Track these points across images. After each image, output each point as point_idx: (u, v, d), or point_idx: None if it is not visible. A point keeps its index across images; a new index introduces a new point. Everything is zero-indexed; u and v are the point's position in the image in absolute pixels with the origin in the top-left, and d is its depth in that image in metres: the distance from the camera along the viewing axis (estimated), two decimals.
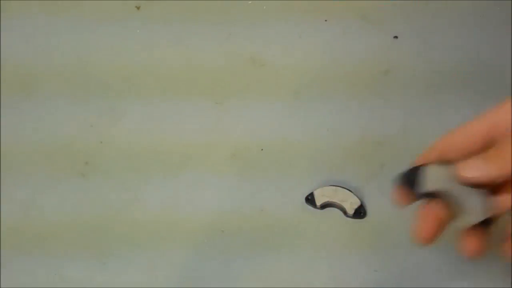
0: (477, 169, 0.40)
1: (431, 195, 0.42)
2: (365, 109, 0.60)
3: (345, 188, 0.57)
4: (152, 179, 0.58)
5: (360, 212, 0.57)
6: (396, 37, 0.63)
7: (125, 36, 0.63)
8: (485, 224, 0.42)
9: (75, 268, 0.56)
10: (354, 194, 0.57)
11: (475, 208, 0.41)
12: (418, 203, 0.43)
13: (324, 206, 0.57)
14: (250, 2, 0.64)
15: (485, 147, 0.41)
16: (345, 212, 0.57)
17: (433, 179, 0.42)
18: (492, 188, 0.41)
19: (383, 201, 0.58)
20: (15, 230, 0.57)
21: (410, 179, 0.42)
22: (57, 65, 0.62)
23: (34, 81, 0.61)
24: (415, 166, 0.43)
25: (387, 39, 0.63)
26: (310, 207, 0.57)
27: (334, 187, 0.57)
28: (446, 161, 0.42)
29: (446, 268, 0.56)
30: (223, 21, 0.63)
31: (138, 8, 0.64)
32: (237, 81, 0.62)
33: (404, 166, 0.59)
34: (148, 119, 0.60)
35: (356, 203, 0.56)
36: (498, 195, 0.42)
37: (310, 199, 0.57)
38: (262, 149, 0.59)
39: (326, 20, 0.64)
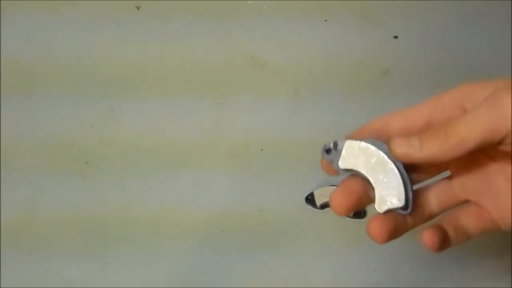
0: (410, 146, 0.38)
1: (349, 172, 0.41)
2: (365, 108, 0.60)
3: None
4: (152, 179, 0.59)
5: (360, 212, 0.56)
6: (396, 37, 0.63)
7: (125, 36, 0.63)
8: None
9: (75, 268, 0.56)
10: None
11: (388, 197, 0.40)
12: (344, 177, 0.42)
13: (324, 206, 0.57)
14: (250, 2, 0.64)
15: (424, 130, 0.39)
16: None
17: (348, 156, 0.41)
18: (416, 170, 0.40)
19: None
20: (15, 230, 0.57)
21: (327, 152, 0.41)
22: (57, 65, 0.62)
23: (35, 82, 0.61)
24: (336, 140, 0.41)
25: (387, 39, 0.63)
26: (310, 207, 0.57)
27: (334, 187, 0.57)
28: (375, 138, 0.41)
29: (445, 268, 0.56)
30: (223, 21, 0.63)
31: (138, 8, 0.64)
32: (237, 81, 0.62)
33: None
34: (148, 119, 0.60)
35: (399, 201, 0.56)
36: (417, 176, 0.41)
37: (310, 199, 0.57)
38: (262, 149, 0.59)
39: (326, 20, 0.64)
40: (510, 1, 0.63)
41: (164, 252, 0.56)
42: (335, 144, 0.41)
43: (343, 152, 0.41)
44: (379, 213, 0.39)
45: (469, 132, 0.36)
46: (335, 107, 0.60)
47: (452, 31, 0.63)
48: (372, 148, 0.40)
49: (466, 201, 0.41)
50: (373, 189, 0.40)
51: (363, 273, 0.56)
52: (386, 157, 0.40)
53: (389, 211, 0.40)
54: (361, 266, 0.56)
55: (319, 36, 0.63)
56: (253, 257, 0.56)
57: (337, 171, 0.41)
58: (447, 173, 0.42)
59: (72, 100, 0.61)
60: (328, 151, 0.41)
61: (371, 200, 0.40)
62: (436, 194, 0.41)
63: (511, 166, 0.39)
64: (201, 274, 0.56)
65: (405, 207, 0.40)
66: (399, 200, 0.39)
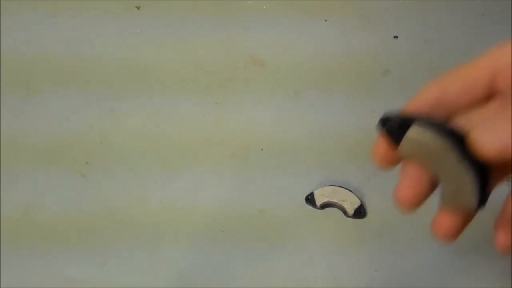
0: (502, 136, 0.28)
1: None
2: (365, 109, 0.60)
3: (345, 188, 0.57)
4: (152, 179, 0.58)
5: (360, 212, 0.57)
6: (396, 37, 0.63)
7: (125, 36, 0.63)
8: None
9: (75, 268, 0.56)
10: (354, 194, 0.57)
11: (457, 194, 0.34)
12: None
13: (324, 206, 0.57)
14: (250, 2, 0.64)
15: (488, 97, 0.32)
16: (345, 212, 0.57)
17: (412, 141, 0.33)
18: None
19: (383, 201, 0.58)
20: (15, 230, 0.57)
21: (393, 130, 0.34)
22: (57, 65, 0.62)
23: (34, 81, 0.61)
24: (403, 116, 0.34)
25: (387, 39, 0.63)
26: (310, 207, 0.57)
27: (334, 187, 0.57)
28: (440, 116, 0.34)
29: (446, 268, 0.56)
30: (223, 21, 0.63)
31: (138, 8, 0.64)
32: (237, 81, 0.62)
33: None
34: (148, 119, 0.60)
35: (356, 203, 0.56)
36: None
37: (310, 199, 0.57)
38: (262, 149, 0.59)
39: (326, 20, 0.64)
40: (510, 1, 0.63)
41: (164, 252, 0.56)
42: (396, 119, 0.34)
43: (408, 135, 0.33)
44: (442, 208, 0.34)
45: None
46: (335, 107, 0.60)
47: (452, 31, 0.63)
48: (441, 143, 0.32)
49: None
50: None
51: (363, 273, 0.56)
52: (458, 154, 0.32)
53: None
54: (361, 266, 0.56)
55: (319, 36, 0.63)
56: (253, 257, 0.56)
57: (394, 158, 0.34)
58: None
59: (72, 100, 0.61)
60: (384, 124, 0.34)
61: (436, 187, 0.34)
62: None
63: None
64: (201, 274, 0.56)
65: (476, 209, 0.34)
66: (470, 201, 0.33)
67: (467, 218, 0.34)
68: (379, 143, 0.35)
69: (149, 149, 0.59)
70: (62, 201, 0.58)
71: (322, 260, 0.56)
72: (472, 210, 0.33)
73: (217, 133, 0.60)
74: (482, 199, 0.33)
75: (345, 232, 0.57)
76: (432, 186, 0.34)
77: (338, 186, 0.57)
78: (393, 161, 0.35)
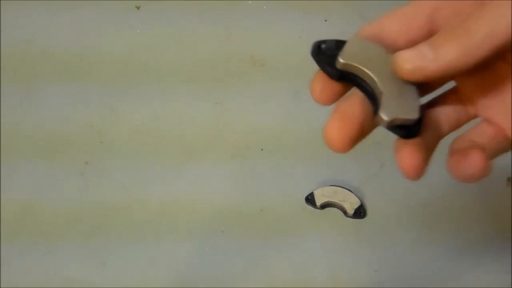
0: (421, 56, 0.29)
1: (347, 77, 0.33)
2: None
3: (345, 188, 0.57)
4: (152, 179, 0.58)
5: (360, 212, 0.56)
6: None
7: (125, 36, 0.63)
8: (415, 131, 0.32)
9: (75, 268, 0.56)
10: (354, 194, 0.57)
11: (397, 107, 0.31)
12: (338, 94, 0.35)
13: (324, 206, 0.57)
14: (250, 2, 0.64)
15: (429, 35, 0.31)
16: (345, 212, 0.57)
17: (353, 53, 0.32)
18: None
19: (383, 201, 0.58)
20: (14, 229, 0.57)
21: (318, 49, 0.34)
22: (57, 65, 0.62)
23: (35, 81, 0.61)
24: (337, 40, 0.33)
25: None
26: (310, 207, 0.57)
27: (334, 187, 0.57)
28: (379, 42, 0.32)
29: (446, 268, 0.56)
30: (223, 21, 0.63)
31: (138, 8, 0.64)
32: (237, 81, 0.62)
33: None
34: (148, 120, 0.60)
35: (356, 203, 0.56)
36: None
37: (310, 199, 0.57)
38: (262, 149, 0.59)
39: (326, 20, 0.64)
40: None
41: (164, 252, 0.56)
42: (333, 44, 0.33)
43: (346, 47, 0.33)
44: (404, 143, 0.32)
45: (498, 22, 0.27)
46: None
47: None
48: (382, 49, 0.32)
49: (475, 117, 0.33)
50: (374, 100, 0.32)
51: (363, 273, 0.56)
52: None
53: (395, 122, 0.31)
54: (361, 266, 0.56)
55: (319, 36, 0.63)
56: (253, 257, 0.56)
57: (334, 90, 0.33)
58: (451, 84, 0.34)
59: (72, 100, 0.61)
60: (320, 46, 0.33)
61: (376, 123, 0.32)
62: (443, 110, 0.33)
63: None
64: (201, 274, 0.56)
65: (417, 122, 0.31)
66: (412, 112, 0.31)
67: (427, 145, 0.32)
68: (316, 76, 0.34)
69: (149, 149, 0.59)
70: (62, 201, 0.58)
71: (322, 260, 0.56)
72: (414, 120, 0.31)
73: (217, 133, 0.60)
74: (421, 115, 0.31)
75: (345, 232, 0.57)
76: (367, 120, 0.32)
77: (338, 186, 0.57)
78: (332, 94, 0.34)
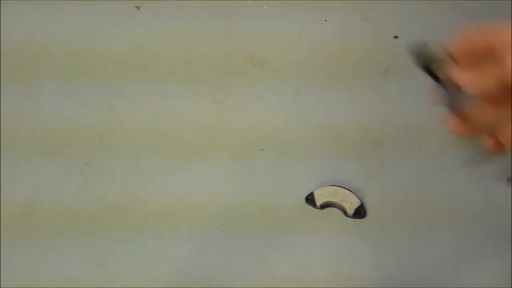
0: (467, 81, 0.46)
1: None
2: (365, 109, 0.60)
3: (345, 188, 0.57)
4: (152, 179, 0.58)
5: (360, 212, 0.56)
6: (396, 37, 0.63)
7: (125, 36, 0.63)
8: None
9: (75, 268, 0.56)
10: (354, 194, 0.57)
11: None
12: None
13: (324, 206, 0.57)
14: (250, 2, 0.64)
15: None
16: (345, 212, 0.57)
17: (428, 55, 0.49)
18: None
19: (383, 201, 0.58)
20: (14, 229, 0.57)
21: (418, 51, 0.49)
22: (57, 65, 0.62)
23: (35, 81, 0.61)
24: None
25: (387, 39, 0.63)
26: (310, 207, 0.57)
27: (334, 187, 0.57)
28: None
29: (446, 268, 0.56)
30: (223, 21, 0.63)
31: (138, 8, 0.64)
32: (237, 81, 0.62)
33: (404, 166, 0.59)
34: (148, 120, 0.60)
35: (356, 203, 0.56)
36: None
37: (310, 199, 0.57)
38: (262, 149, 0.59)
39: (326, 20, 0.63)
40: (510, 1, 0.63)
41: (165, 252, 0.56)
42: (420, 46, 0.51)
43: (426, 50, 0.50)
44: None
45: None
46: (335, 107, 0.60)
47: (452, 31, 0.63)
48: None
49: None
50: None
51: (363, 273, 0.56)
52: None
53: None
54: (361, 266, 0.56)
55: (319, 36, 0.63)
56: (253, 257, 0.56)
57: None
58: None
59: (72, 99, 0.61)
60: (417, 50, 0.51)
61: None
62: None
63: None
64: (201, 274, 0.56)
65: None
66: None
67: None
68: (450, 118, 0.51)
69: (149, 149, 0.59)
70: (62, 201, 0.58)
71: (322, 260, 0.56)
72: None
73: (217, 133, 0.60)
74: None
75: (345, 232, 0.57)
76: None
77: (338, 186, 0.57)
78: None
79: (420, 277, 0.56)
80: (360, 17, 0.63)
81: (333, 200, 0.57)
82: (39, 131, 0.60)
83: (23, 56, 0.62)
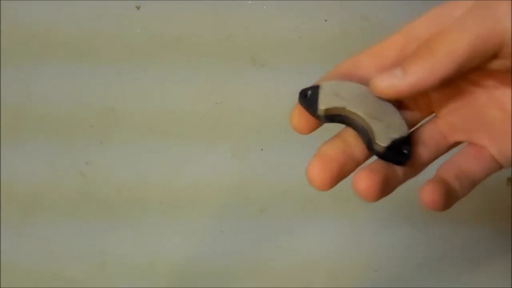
0: (393, 76, 0.32)
1: (333, 118, 0.35)
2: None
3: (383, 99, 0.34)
4: (152, 179, 0.59)
5: (401, 151, 0.34)
6: None
7: (124, 36, 0.63)
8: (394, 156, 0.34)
9: (75, 267, 0.56)
10: (400, 115, 0.34)
11: (388, 132, 0.33)
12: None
13: (331, 116, 0.35)
14: (250, 2, 0.64)
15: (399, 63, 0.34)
16: (370, 141, 0.34)
17: (328, 96, 0.34)
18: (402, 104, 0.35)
19: (383, 201, 0.58)
20: (15, 229, 0.57)
21: (305, 97, 0.35)
22: (56, 64, 0.62)
23: (35, 82, 0.61)
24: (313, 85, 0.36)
25: None
26: (310, 207, 0.57)
27: (361, 86, 0.34)
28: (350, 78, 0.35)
29: (445, 268, 0.56)
30: (223, 21, 0.63)
31: (138, 8, 0.64)
32: (237, 81, 0.62)
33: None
34: (148, 119, 0.60)
35: (399, 130, 0.33)
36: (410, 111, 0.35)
37: (308, 97, 0.35)
38: (262, 149, 0.59)
39: (326, 20, 0.64)
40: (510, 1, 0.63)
41: (165, 252, 0.56)
42: (313, 90, 0.35)
43: (321, 94, 0.34)
44: (365, 166, 0.34)
45: (456, 41, 0.31)
46: None
47: None
48: (356, 84, 0.34)
49: (456, 144, 0.36)
50: (362, 132, 0.34)
51: (363, 273, 0.56)
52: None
53: (389, 152, 0.33)
54: (361, 266, 0.56)
55: (319, 36, 0.63)
56: (253, 258, 0.56)
57: (313, 123, 0.35)
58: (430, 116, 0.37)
59: (72, 99, 0.61)
60: (305, 94, 0.35)
61: (358, 162, 0.34)
62: (423, 140, 0.35)
63: (509, 87, 0.33)
64: (201, 274, 0.56)
65: (407, 139, 0.33)
66: (401, 128, 0.33)
67: (388, 173, 0.34)
68: (296, 109, 0.36)
69: (149, 149, 0.59)
70: (62, 201, 0.58)
71: (322, 260, 0.56)
72: (405, 136, 0.34)
73: (217, 133, 0.60)
74: (409, 132, 0.34)
75: (345, 232, 0.57)
76: (350, 160, 0.35)
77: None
78: (310, 126, 0.36)
79: (419, 277, 0.56)
80: (360, 17, 0.63)
81: (353, 110, 0.34)
82: (38, 131, 0.60)
83: (23, 55, 0.62)
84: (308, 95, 0.35)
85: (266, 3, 0.64)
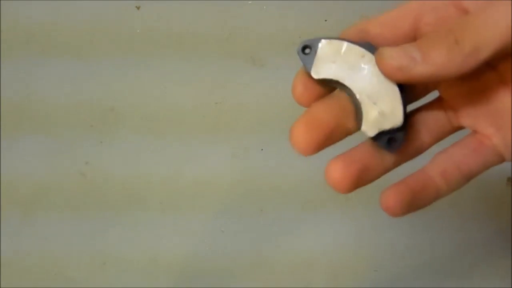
0: (407, 56, 0.28)
1: (328, 84, 0.31)
2: None
3: (392, 82, 0.31)
4: (152, 179, 0.59)
5: (392, 137, 0.31)
6: None
7: (124, 36, 0.63)
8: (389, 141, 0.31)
9: (75, 267, 0.56)
10: (402, 102, 0.31)
11: (379, 116, 0.29)
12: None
13: (327, 82, 0.33)
14: (250, 2, 0.64)
15: (411, 38, 0.31)
16: (360, 123, 0.32)
17: (324, 59, 0.30)
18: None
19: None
20: (15, 229, 0.57)
21: (303, 53, 0.32)
22: (56, 65, 0.62)
23: (35, 82, 0.61)
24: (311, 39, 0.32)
25: None
26: (310, 207, 0.57)
27: (364, 52, 0.32)
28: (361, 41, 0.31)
29: (445, 268, 0.56)
30: (223, 21, 0.63)
31: (138, 8, 0.64)
32: (236, 81, 0.62)
33: (404, 166, 0.59)
34: (148, 120, 0.60)
35: (392, 120, 0.31)
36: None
37: (305, 53, 0.34)
38: (262, 149, 0.59)
39: (326, 20, 0.64)
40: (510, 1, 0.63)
41: (165, 252, 0.56)
42: (312, 46, 0.31)
43: (318, 53, 0.31)
44: (340, 154, 0.31)
45: (485, 36, 0.28)
46: None
47: None
48: (360, 50, 0.30)
49: (459, 128, 0.33)
50: (356, 107, 0.30)
51: (363, 273, 0.56)
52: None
53: (378, 135, 0.30)
54: (361, 266, 0.56)
55: (319, 36, 0.63)
56: (252, 258, 0.56)
57: (316, 92, 0.31)
58: (434, 94, 0.34)
59: (72, 99, 0.61)
60: (303, 49, 0.31)
61: (348, 132, 0.31)
62: (425, 121, 0.33)
63: None
64: (202, 274, 0.56)
65: (401, 128, 0.30)
66: (395, 118, 0.30)
67: (367, 162, 0.32)
68: (299, 75, 0.33)
69: (149, 149, 0.59)
70: (62, 201, 0.58)
71: (322, 260, 0.56)
72: (399, 126, 0.30)
73: (217, 134, 0.60)
74: (405, 120, 0.30)
75: (345, 232, 0.57)
76: (338, 126, 0.31)
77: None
78: (314, 96, 0.32)
79: (420, 277, 0.56)
80: (360, 17, 0.63)
81: (347, 84, 0.31)
82: (38, 131, 0.60)
83: (23, 56, 0.62)
84: (306, 52, 0.32)
85: (266, 3, 0.64)
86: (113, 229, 0.57)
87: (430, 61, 0.28)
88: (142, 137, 0.60)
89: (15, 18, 0.63)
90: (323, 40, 0.31)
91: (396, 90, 0.30)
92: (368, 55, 0.30)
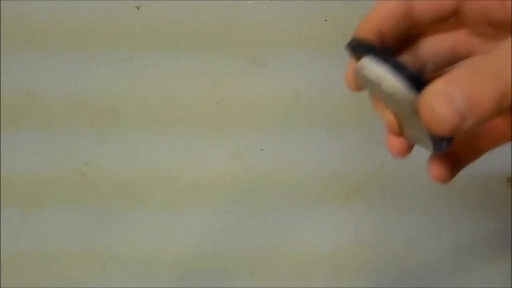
0: (460, 116, 0.25)
1: None
2: (365, 109, 0.60)
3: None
4: (152, 179, 0.59)
5: (443, 139, 0.31)
6: None
7: (124, 36, 0.63)
8: None
9: (75, 267, 0.56)
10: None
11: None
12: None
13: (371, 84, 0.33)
14: (250, 2, 0.64)
15: (454, 14, 0.30)
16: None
17: (362, 79, 0.29)
18: None
19: (382, 200, 0.58)
20: (13, 236, 0.57)
21: (355, 50, 0.30)
22: (56, 65, 0.62)
23: (35, 82, 0.61)
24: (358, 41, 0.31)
25: None
26: (310, 206, 0.57)
27: (404, 91, 0.29)
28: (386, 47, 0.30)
29: (446, 268, 0.56)
30: (223, 20, 0.63)
31: (138, 8, 0.64)
32: (236, 81, 0.62)
33: (404, 166, 0.59)
34: (148, 119, 0.60)
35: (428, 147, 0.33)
36: None
37: (356, 46, 0.34)
38: (262, 149, 0.60)
39: (326, 20, 0.64)
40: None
41: (165, 253, 0.56)
42: (359, 53, 0.29)
43: (357, 72, 0.30)
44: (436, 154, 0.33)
45: None
46: (335, 107, 0.60)
47: None
48: (393, 82, 0.27)
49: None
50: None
51: (363, 273, 0.56)
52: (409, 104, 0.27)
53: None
54: (361, 266, 0.56)
55: (319, 36, 0.63)
56: (252, 258, 0.56)
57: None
58: None
59: (72, 99, 0.61)
60: (355, 49, 0.29)
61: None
62: None
63: None
64: (201, 274, 0.56)
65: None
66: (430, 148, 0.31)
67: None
68: (349, 65, 0.33)
69: (149, 149, 0.59)
70: (62, 201, 0.58)
71: (322, 260, 0.56)
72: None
73: (217, 134, 0.60)
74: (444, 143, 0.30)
75: (346, 231, 0.57)
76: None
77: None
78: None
79: (420, 277, 0.56)
80: (360, 17, 0.63)
81: (391, 90, 0.29)
82: (38, 131, 0.60)
83: (23, 56, 0.62)
84: (353, 50, 0.31)
85: (266, 3, 0.64)
86: (113, 228, 0.57)
87: (479, 112, 0.25)
88: (142, 136, 0.60)
89: (16, 16, 0.63)
90: (367, 62, 0.30)
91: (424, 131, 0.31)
92: (407, 94, 0.28)
